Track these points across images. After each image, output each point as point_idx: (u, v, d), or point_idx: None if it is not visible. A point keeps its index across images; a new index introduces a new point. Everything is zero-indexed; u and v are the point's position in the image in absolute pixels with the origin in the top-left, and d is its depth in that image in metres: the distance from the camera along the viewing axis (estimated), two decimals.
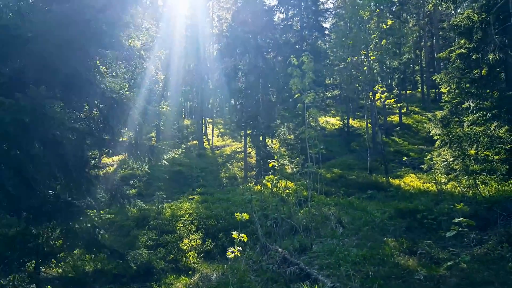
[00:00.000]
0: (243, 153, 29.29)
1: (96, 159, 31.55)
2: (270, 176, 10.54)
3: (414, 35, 39.91)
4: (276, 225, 10.33)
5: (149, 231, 10.14)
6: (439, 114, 15.06)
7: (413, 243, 8.47)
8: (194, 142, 35.51)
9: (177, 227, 10.47)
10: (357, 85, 22.26)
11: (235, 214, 7.53)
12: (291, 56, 11.38)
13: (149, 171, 28.08)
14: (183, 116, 45.83)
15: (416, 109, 38.80)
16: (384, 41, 19.86)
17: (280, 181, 19.07)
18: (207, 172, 26.50)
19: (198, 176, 25.39)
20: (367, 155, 21.28)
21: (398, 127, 31.87)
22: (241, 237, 6.25)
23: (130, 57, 33.69)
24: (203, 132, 37.25)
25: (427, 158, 16.13)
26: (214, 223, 10.49)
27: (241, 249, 6.12)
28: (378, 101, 19.36)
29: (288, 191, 16.91)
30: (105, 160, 33.02)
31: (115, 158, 33.15)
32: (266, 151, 21.98)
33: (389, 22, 20.16)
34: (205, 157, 30.11)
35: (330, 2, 33.96)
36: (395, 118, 34.87)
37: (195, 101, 40.96)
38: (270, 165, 10.08)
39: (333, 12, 29.82)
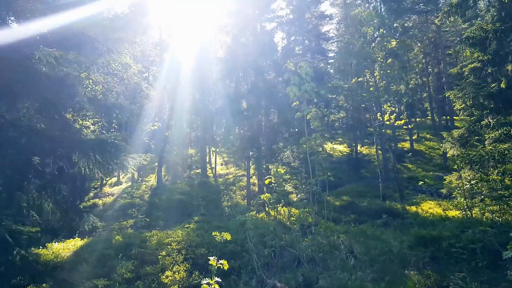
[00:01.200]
0: (245, 181, 27.89)
1: (98, 189, 30.23)
2: (267, 194, 9.10)
3: (420, 61, 39.14)
4: (276, 254, 8.79)
5: (128, 261, 8.64)
6: (455, 132, 13.64)
7: (442, 277, 6.88)
8: (197, 170, 34.25)
9: (160, 257, 8.96)
10: (363, 105, 21.00)
11: (213, 233, 6.11)
12: (288, 61, 10.25)
13: (148, 199, 26.93)
14: (188, 145, 44.79)
15: (428, 136, 37.31)
16: (389, 60, 18.79)
17: (282, 207, 17.58)
18: (209, 200, 25.00)
19: (199, 205, 23.90)
20: (379, 181, 19.73)
21: (410, 153, 30.29)
22: (221, 263, 4.80)
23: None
24: (207, 160, 36.04)
25: (446, 182, 14.59)
26: (204, 251, 8.96)
27: (220, 280, 4.65)
28: (388, 121, 18.03)
29: (292, 218, 15.38)
30: (106, 189, 31.89)
31: (116, 188, 32.03)
32: (270, 177, 20.55)
33: (394, 42, 19.19)
34: (208, 186, 28.70)
35: (333, 28, 33.62)
36: (406, 145, 33.36)
37: (199, 130, 40.06)
38: (267, 181, 8.70)
39: (335, 39, 29.18)
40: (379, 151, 25.48)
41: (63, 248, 9.97)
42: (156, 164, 36.83)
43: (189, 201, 24.72)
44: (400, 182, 19.68)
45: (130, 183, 32.77)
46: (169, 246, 9.52)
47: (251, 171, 24.54)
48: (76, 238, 11.69)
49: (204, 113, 35.76)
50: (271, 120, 20.27)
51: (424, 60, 39.89)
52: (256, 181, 26.26)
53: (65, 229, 20.11)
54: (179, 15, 34.54)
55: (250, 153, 23.17)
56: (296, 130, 24.14)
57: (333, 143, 32.40)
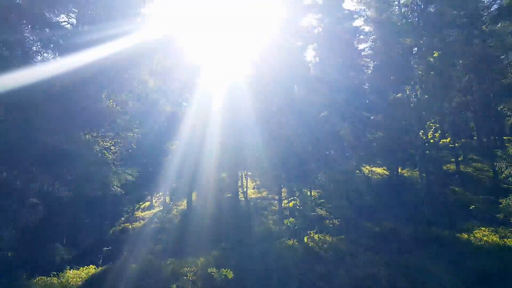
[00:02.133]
0: (278, 205, 26.58)
1: (130, 214, 30.06)
2: (290, 219, 7.95)
3: (462, 78, 36.70)
4: None
5: None
6: None
7: None
8: (229, 194, 33.36)
9: None
10: (404, 121, 19.34)
11: (209, 270, 5.07)
12: None
13: (178, 224, 26.24)
14: (220, 169, 44.19)
15: (474, 157, 34.39)
16: (431, 72, 17.27)
17: (316, 233, 16.12)
18: (239, 226, 23.86)
19: (229, 231, 22.83)
20: (423, 206, 17.84)
21: (457, 176, 27.78)
22: None
23: None
24: (239, 184, 35.12)
25: (502, 205, 12.71)
26: (222, 284, 7.87)
27: None
28: (431, 140, 16.36)
29: (326, 246, 13.92)
30: (138, 214, 31.68)
31: (148, 212, 31.75)
32: (294, 199, 19.26)
33: (436, 54, 17.71)
34: (239, 210, 27.66)
35: (367, 46, 32.12)
36: (451, 167, 30.78)
37: (231, 153, 39.42)
38: (291, 204, 7.57)
39: (370, 56, 27.83)
40: (423, 174, 23.44)
41: (74, 277, 9.25)
42: (186, 190, 36.44)
43: (219, 226, 23.74)
44: (449, 207, 17.69)
45: (161, 208, 32.40)
46: (184, 277, 8.52)
47: (284, 194, 23.32)
48: (91, 266, 11.00)
49: (236, 136, 35.16)
50: (302, 140, 19.12)
51: (467, 77, 37.42)
52: (288, 205, 24.97)
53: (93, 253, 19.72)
54: (210, 39, 34.75)
55: (281, 175, 22.03)
56: (331, 152, 22.84)
57: (371, 166, 30.49)
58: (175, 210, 29.41)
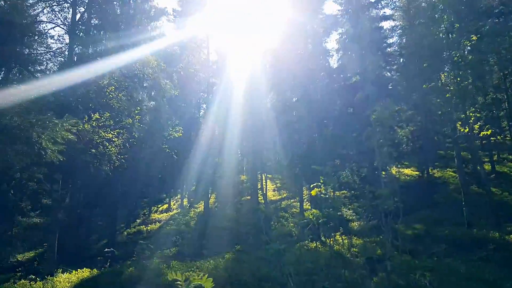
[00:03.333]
0: (299, 207, 24.95)
1: (146, 216, 29.04)
2: (313, 210, 6.48)
3: (493, 73, 34.07)
4: None
5: None
6: None
7: None
8: (248, 197, 31.96)
9: None
10: (439, 112, 17.33)
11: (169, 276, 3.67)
12: None
13: (194, 226, 24.98)
14: (240, 172, 42.86)
15: (510, 156, 31.74)
16: (470, 57, 15.36)
17: (341, 236, 14.43)
18: (258, 228, 22.37)
19: (247, 233, 21.40)
20: (462, 206, 15.89)
21: (493, 175, 25.41)
22: None
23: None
24: (258, 187, 33.64)
25: None
26: None
27: None
28: (465, 131, 14.46)
29: (354, 250, 12.24)
30: (154, 216, 30.68)
31: (165, 214, 30.69)
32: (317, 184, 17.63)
33: (474, 37, 15.81)
34: (258, 213, 26.13)
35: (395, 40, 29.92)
36: (486, 167, 28.31)
37: (250, 155, 38.02)
38: (313, 192, 6.10)
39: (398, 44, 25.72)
40: (460, 172, 21.30)
41: (63, 281, 8.02)
42: (204, 193, 35.28)
43: (237, 228, 22.36)
44: (490, 208, 15.68)
45: (179, 210, 31.32)
46: (178, 283, 7.14)
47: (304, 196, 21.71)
48: (85, 269, 9.75)
49: (255, 138, 33.82)
50: (324, 134, 17.45)
51: (501, 74, 34.71)
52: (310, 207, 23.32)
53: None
54: (228, 40, 33.71)
55: (302, 175, 20.46)
56: (355, 151, 21.07)
57: (398, 166, 28.43)
58: (193, 212, 28.20)
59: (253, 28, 26.08)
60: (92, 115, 11.49)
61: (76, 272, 9.31)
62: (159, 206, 35.91)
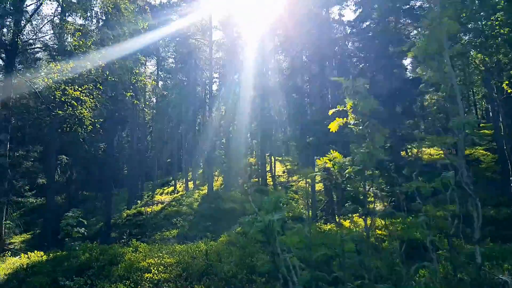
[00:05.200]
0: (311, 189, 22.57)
1: (149, 197, 27.14)
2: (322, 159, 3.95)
3: None
4: None
5: None
6: None
7: None
8: (257, 179, 29.75)
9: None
10: (477, 77, 14.35)
11: None
12: None
13: (197, 208, 22.89)
14: (248, 154, 40.62)
15: None
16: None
17: (360, 218, 12.04)
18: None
19: (252, 215, 19.16)
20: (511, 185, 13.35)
21: None
22: None
23: None
24: (268, 169, 31.35)
25: None
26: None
27: None
28: None
29: (380, 231, 9.82)
30: (157, 197, 28.75)
31: (169, 196, 28.73)
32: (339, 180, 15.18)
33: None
34: (265, 194, 23.82)
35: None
36: None
37: (259, 137, 35.66)
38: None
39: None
40: (485, 152, 18.56)
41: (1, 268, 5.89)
42: (216, 173, 33.28)
43: (242, 210, 20.14)
44: None
45: (185, 192, 29.32)
46: (148, 274, 4.91)
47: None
48: (36, 252, 7.56)
49: (264, 118, 31.41)
50: (341, 101, 14.79)
51: None
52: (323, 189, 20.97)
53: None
54: (237, 16, 30.88)
55: (314, 155, 18.01)
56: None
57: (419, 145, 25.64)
58: (197, 194, 26.10)
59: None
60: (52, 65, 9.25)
61: (27, 256, 7.22)
62: (165, 188, 34.05)
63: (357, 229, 9.89)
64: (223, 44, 33.91)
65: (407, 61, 18.21)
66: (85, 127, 9.57)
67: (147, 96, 38.12)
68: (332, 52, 13.58)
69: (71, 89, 8.98)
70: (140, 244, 7.69)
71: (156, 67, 39.31)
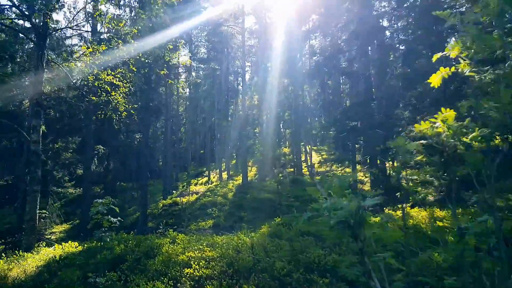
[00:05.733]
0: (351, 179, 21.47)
1: (184, 188, 27.00)
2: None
3: None
4: None
5: None
6: None
7: None
8: (291, 169, 28.86)
9: None
10: None
11: None
12: None
13: (232, 198, 22.41)
14: (281, 143, 39.73)
15: None
16: None
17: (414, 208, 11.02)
18: (303, 200, 19.29)
19: (290, 206, 18.37)
20: None
21: None
22: None
23: None
24: (303, 158, 30.37)
25: None
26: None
27: None
28: None
29: (439, 223, 8.70)
30: (192, 188, 28.62)
31: (203, 187, 28.52)
32: (385, 169, 13.98)
33: None
34: (302, 184, 23.03)
35: None
36: None
37: (293, 126, 34.61)
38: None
39: None
40: None
41: (33, 259, 5.47)
42: (250, 163, 32.74)
43: (279, 201, 19.41)
44: None
45: (218, 182, 28.99)
46: (188, 269, 4.24)
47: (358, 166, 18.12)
48: (70, 242, 7.15)
49: (298, 106, 30.38)
50: (387, 82, 13.39)
51: None
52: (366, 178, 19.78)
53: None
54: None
55: (355, 143, 16.89)
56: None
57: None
58: (231, 184, 25.63)
59: None
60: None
61: (61, 246, 6.84)
62: (199, 179, 33.96)
63: (412, 221, 8.85)
64: (255, 31, 33.07)
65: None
66: (119, 113, 9.17)
67: (180, 88, 38.11)
68: (376, 29, 12.28)
69: (104, 73, 8.57)
70: (178, 234, 7.11)
71: (189, 57, 39.07)
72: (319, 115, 36.00)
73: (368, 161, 14.22)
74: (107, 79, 8.67)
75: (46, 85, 9.46)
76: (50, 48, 16.71)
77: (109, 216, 5.59)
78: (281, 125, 37.04)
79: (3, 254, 6.43)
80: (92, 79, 8.62)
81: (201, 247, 5.57)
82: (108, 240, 6.03)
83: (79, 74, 8.91)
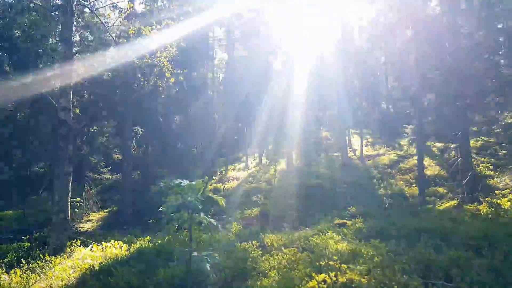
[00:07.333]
0: (410, 163, 18.96)
1: (223, 173, 25.48)
2: None
3: None
4: None
5: None
6: None
7: None
8: (335, 154, 26.67)
9: None
10: None
11: None
12: None
13: (277, 184, 20.58)
14: (320, 127, 37.20)
15: None
16: None
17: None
18: (357, 187, 17.18)
19: (344, 193, 16.36)
20: None
21: None
22: None
23: None
24: (347, 142, 27.99)
25: None
26: None
27: None
28: None
29: None
30: (231, 174, 27.07)
31: (243, 173, 26.88)
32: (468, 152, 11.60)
33: None
34: (353, 169, 20.86)
35: None
36: None
37: (335, 109, 31.99)
38: None
39: None
40: None
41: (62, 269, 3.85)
42: (284, 150, 30.63)
43: (330, 187, 17.39)
44: None
45: (258, 167, 27.26)
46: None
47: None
48: (113, 242, 5.50)
49: (342, 87, 27.90)
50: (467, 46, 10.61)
51: None
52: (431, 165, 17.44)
53: None
54: None
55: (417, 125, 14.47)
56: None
57: None
58: (273, 170, 23.75)
59: None
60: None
61: (102, 248, 5.21)
62: (236, 164, 32.38)
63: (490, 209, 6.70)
64: None
65: None
66: (166, 79, 7.55)
67: (215, 72, 36.63)
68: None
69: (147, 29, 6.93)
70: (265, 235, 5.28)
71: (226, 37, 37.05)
72: (362, 96, 33.26)
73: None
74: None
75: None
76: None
77: (201, 213, 3.39)
78: (317, 106, 34.64)
79: (22, 259, 4.87)
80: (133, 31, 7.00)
81: (331, 263, 3.68)
82: (208, 267, 3.61)
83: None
